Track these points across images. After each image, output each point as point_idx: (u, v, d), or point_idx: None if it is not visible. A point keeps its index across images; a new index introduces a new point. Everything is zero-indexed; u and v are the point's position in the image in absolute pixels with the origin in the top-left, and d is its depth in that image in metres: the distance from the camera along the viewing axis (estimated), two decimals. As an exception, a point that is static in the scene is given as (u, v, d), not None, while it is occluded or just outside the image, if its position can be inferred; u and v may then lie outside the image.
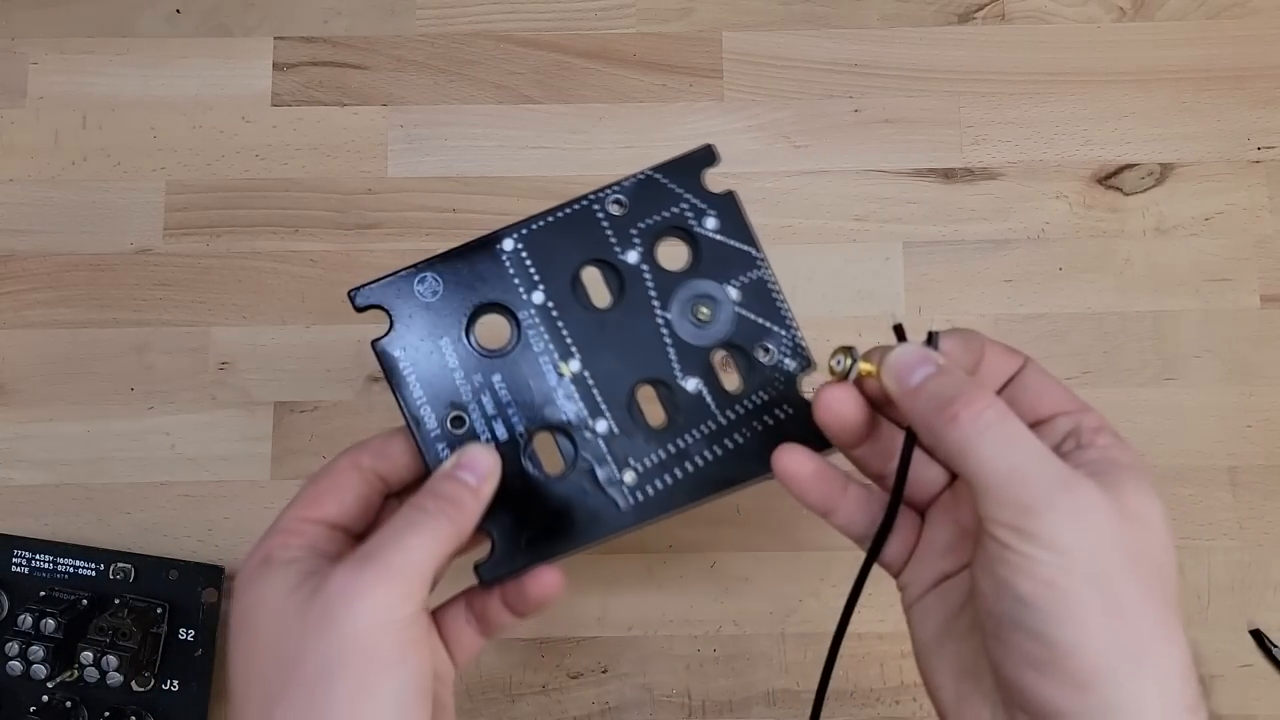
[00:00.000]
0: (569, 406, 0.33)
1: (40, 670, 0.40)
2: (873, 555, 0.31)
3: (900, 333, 0.31)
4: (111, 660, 0.39)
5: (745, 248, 0.34)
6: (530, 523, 0.32)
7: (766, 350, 0.34)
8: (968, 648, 0.29)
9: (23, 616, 0.40)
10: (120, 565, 0.42)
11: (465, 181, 0.48)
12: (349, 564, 0.27)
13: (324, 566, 0.28)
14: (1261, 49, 0.49)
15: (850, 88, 0.49)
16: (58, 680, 0.40)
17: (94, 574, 0.42)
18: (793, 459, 0.31)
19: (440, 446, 0.32)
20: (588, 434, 0.33)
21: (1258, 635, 0.44)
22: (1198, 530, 0.45)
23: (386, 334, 0.33)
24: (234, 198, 0.48)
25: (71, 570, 0.42)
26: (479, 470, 0.30)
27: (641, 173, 0.34)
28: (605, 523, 0.33)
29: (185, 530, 0.45)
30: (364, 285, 0.33)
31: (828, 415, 0.31)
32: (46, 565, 0.42)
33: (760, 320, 0.34)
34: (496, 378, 0.33)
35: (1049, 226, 0.48)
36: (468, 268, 0.34)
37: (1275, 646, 0.44)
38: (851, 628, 0.44)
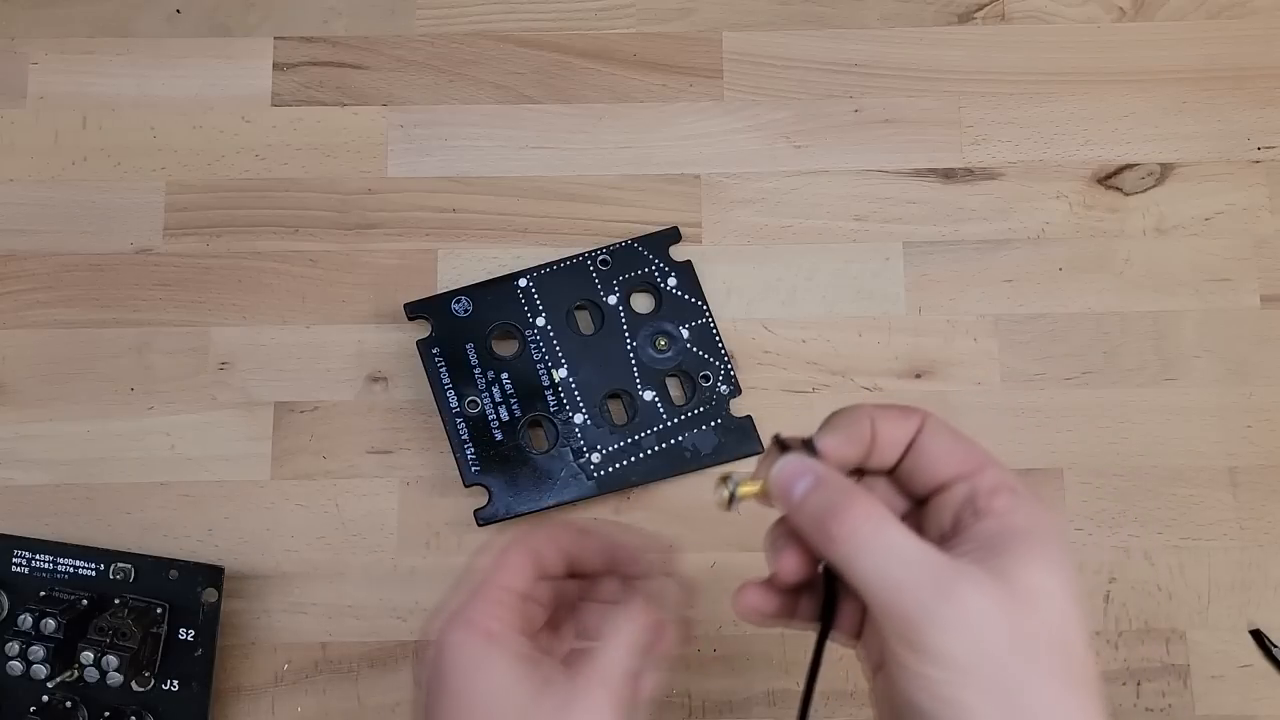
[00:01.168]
0: (555, 402, 0.44)
1: (40, 670, 0.40)
2: (816, 659, 0.31)
3: (780, 444, 0.30)
4: (111, 660, 0.39)
5: (696, 301, 0.46)
6: (519, 484, 0.44)
7: (707, 378, 0.45)
8: None
9: (23, 616, 0.40)
10: (120, 565, 0.42)
11: (465, 181, 0.48)
12: (581, 669, 0.29)
13: (540, 654, 0.30)
14: (1261, 49, 0.49)
15: (850, 88, 0.49)
16: (58, 680, 0.40)
17: (94, 574, 0.42)
18: (750, 604, 0.32)
19: (459, 422, 0.44)
20: (567, 423, 0.44)
21: (1258, 635, 0.44)
22: (1198, 530, 0.45)
23: (429, 336, 0.45)
24: (234, 198, 0.48)
25: (71, 570, 0.42)
26: (677, 599, 0.32)
27: (625, 241, 0.46)
28: (574, 490, 0.44)
29: (185, 530, 0.45)
30: (415, 300, 0.45)
31: (747, 617, 0.31)
32: (46, 565, 0.42)
33: (704, 355, 0.46)
34: (505, 376, 0.45)
35: (1049, 226, 0.48)
36: (491, 295, 0.45)
37: (1275, 646, 0.44)
38: (851, 628, 0.44)
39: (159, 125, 0.48)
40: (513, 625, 0.30)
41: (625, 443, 0.44)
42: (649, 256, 0.46)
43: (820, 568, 0.30)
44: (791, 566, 0.30)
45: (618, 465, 0.44)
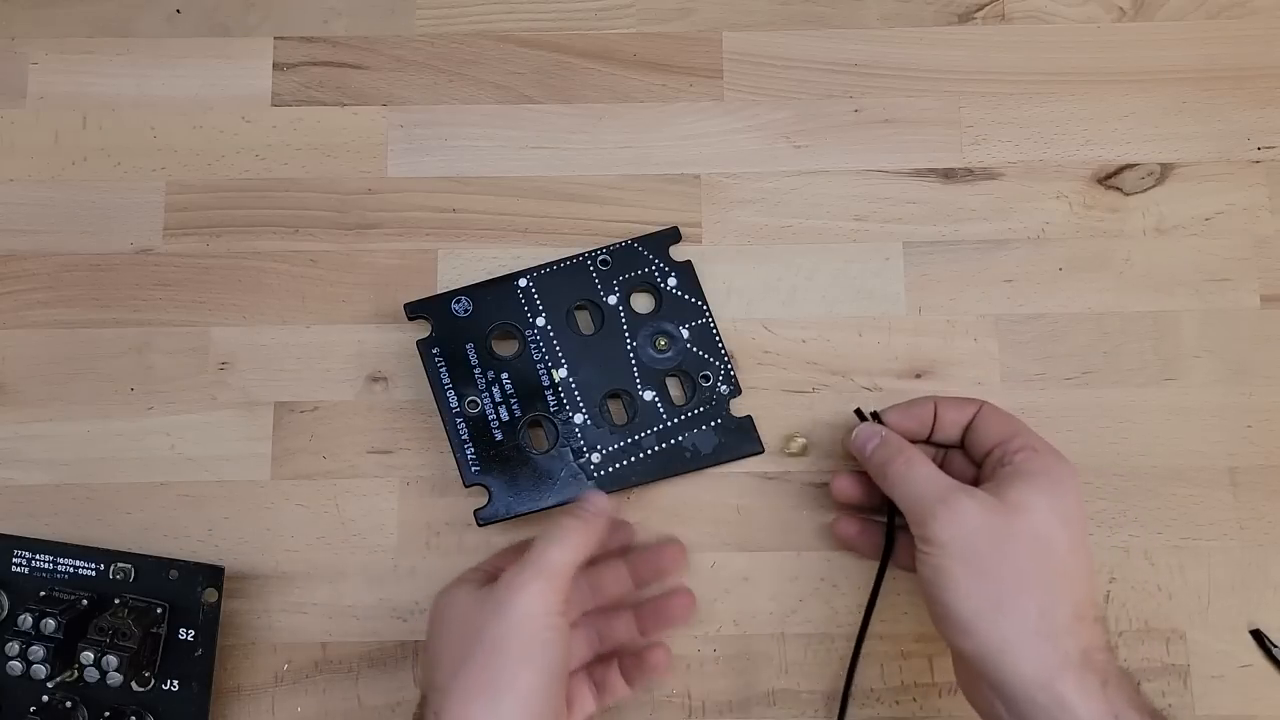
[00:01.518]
0: (555, 402, 0.44)
1: (40, 670, 0.40)
2: (880, 574, 0.43)
3: (859, 414, 0.43)
4: (111, 660, 0.39)
5: (696, 301, 0.46)
6: (519, 484, 0.44)
7: (707, 378, 0.45)
8: None
9: (23, 616, 0.40)
10: (120, 565, 0.42)
11: (465, 181, 0.48)
12: (513, 568, 0.37)
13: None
14: (1261, 49, 0.49)
15: (850, 88, 0.49)
16: (58, 680, 0.40)
17: (94, 574, 0.42)
18: (841, 489, 0.44)
19: (460, 421, 0.44)
20: (567, 423, 0.44)
21: (1258, 635, 0.44)
22: (1198, 530, 0.45)
23: (429, 336, 0.44)
24: (234, 198, 0.48)
25: (71, 570, 0.42)
26: (600, 506, 0.40)
27: (624, 241, 0.46)
28: (575, 489, 0.44)
29: (185, 530, 0.45)
30: (415, 301, 0.45)
31: (839, 496, 0.44)
32: (46, 565, 0.42)
33: (704, 355, 0.46)
34: (505, 376, 0.44)
35: (1049, 226, 0.48)
36: (491, 295, 0.45)
37: (1275, 646, 0.44)
38: (851, 629, 0.44)
39: (159, 125, 0.48)
40: (491, 574, 0.38)
41: (625, 443, 0.44)
42: (649, 256, 0.46)
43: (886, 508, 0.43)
44: (843, 487, 0.43)
45: (618, 465, 0.44)
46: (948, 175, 0.48)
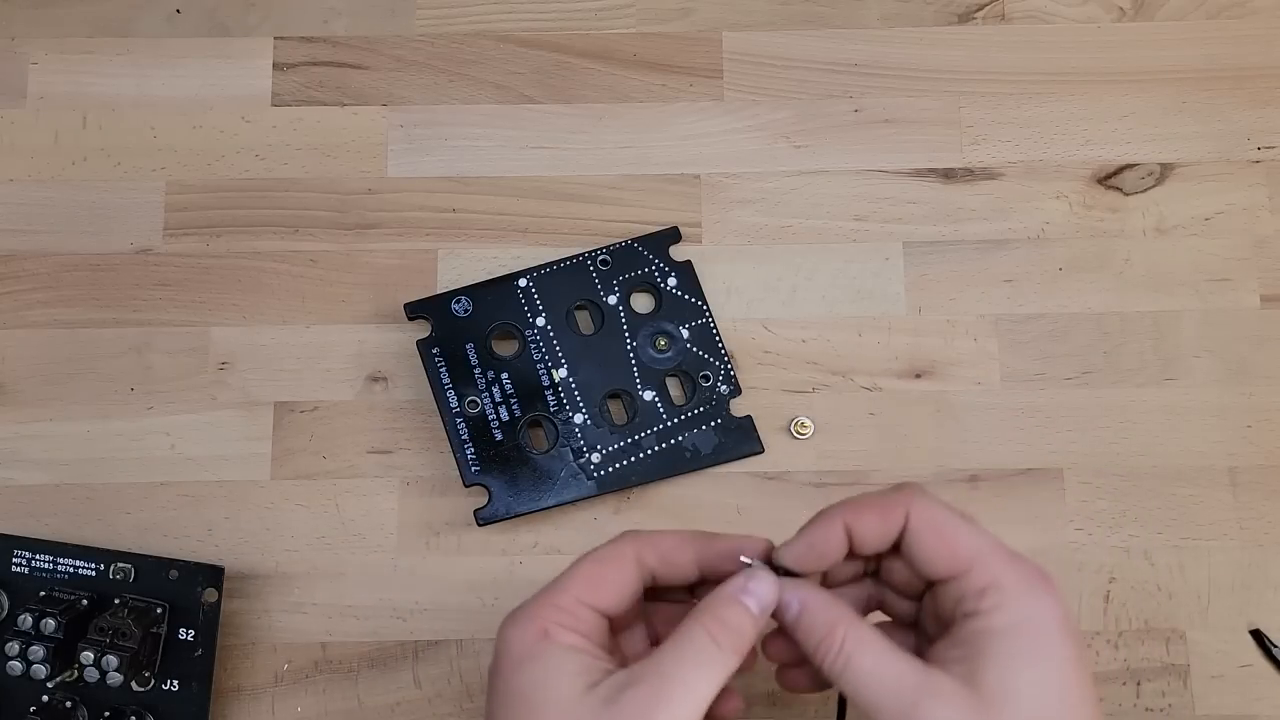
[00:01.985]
0: (555, 402, 0.44)
1: (40, 670, 0.40)
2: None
3: (773, 566, 0.32)
4: (111, 660, 0.39)
5: (696, 301, 0.46)
6: (519, 484, 0.44)
7: (706, 378, 0.45)
8: None
9: (23, 616, 0.40)
10: (120, 565, 0.42)
11: (465, 181, 0.48)
12: (647, 685, 0.28)
13: (608, 664, 0.30)
14: (1261, 49, 0.49)
15: (850, 88, 0.49)
16: (58, 680, 0.40)
17: (94, 574, 0.42)
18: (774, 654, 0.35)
19: (459, 421, 0.44)
20: (567, 423, 0.44)
21: (1258, 635, 0.44)
22: (1198, 530, 0.45)
23: (429, 336, 0.44)
24: (234, 198, 0.48)
25: (71, 570, 0.42)
26: (763, 601, 0.31)
27: (624, 241, 0.46)
28: (574, 489, 0.44)
29: (185, 530, 0.45)
30: (415, 300, 0.45)
31: (774, 659, 0.35)
32: (46, 565, 0.42)
33: (704, 355, 0.45)
34: (505, 376, 0.44)
35: (1049, 226, 0.48)
36: (491, 295, 0.45)
37: (1275, 646, 0.44)
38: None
39: (159, 125, 0.48)
40: (591, 641, 0.30)
41: (625, 443, 0.44)
42: (649, 256, 0.46)
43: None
44: (777, 652, 0.35)
45: (618, 465, 0.44)
46: (948, 175, 0.48)
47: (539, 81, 0.49)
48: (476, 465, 0.43)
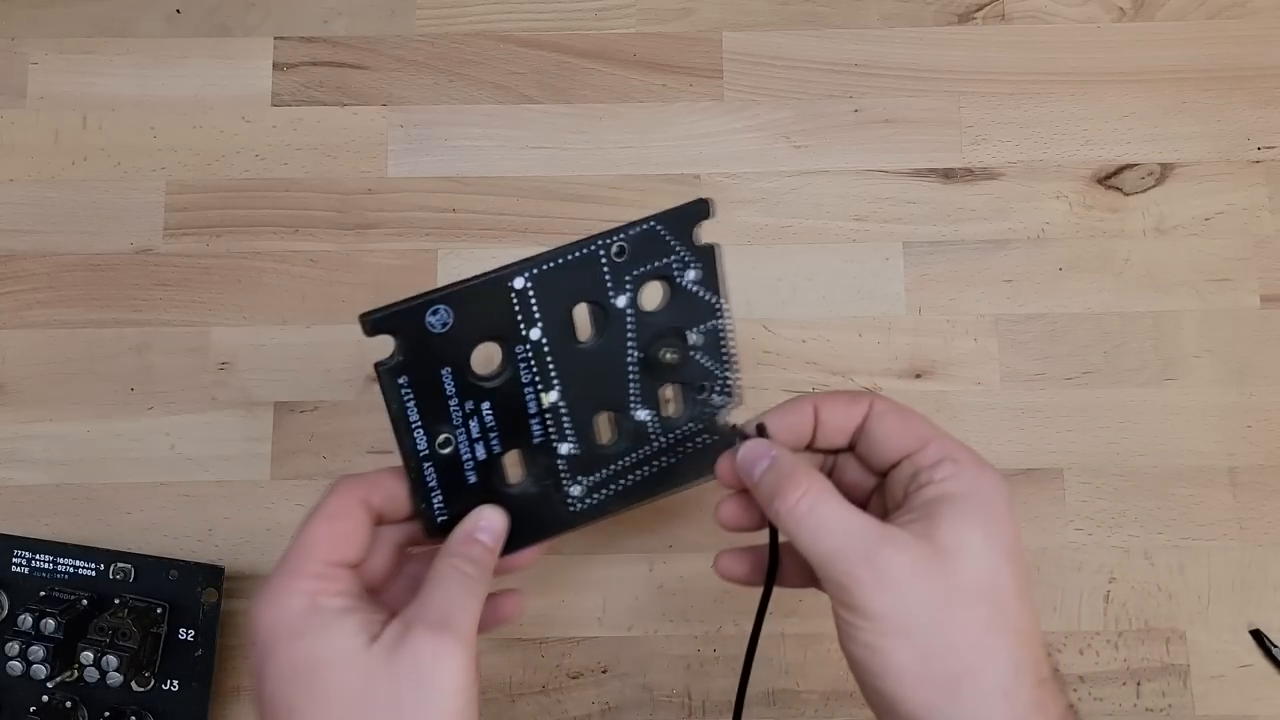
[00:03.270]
0: (540, 432, 0.35)
1: (40, 670, 0.40)
2: (761, 612, 0.36)
3: (737, 431, 0.35)
4: (111, 660, 0.39)
5: (714, 299, 0.37)
6: None
7: (704, 389, 0.37)
8: None
9: (23, 616, 0.40)
10: (120, 565, 0.42)
11: (465, 181, 0.48)
12: (429, 628, 0.29)
13: (378, 614, 0.31)
14: (1261, 49, 0.49)
15: (850, 88, 0.49)
16: (58, 680, 0.40)
17: (94, 574, 0.42)
18: (725, 568, 0.36)
19: (427, 466, 0.34)
20: (550, 454, 0.36)
21: (1258, 635, 0.44)
22: (1198, 530, 0.45)
23: (392, 358, 0.33)
24: (234, 198, 0.48)
25: (71, 570, 0.42)
26: (495, 531, 0.34)
27: (645, 222, 0.35)
28: (549, 529, 0.36)
29: (185, 530, 0.45)
30: (377, 311, 0.32)
31: (727, 524, 0.36)
32: (46, 565, 0.42)
33: (708, 363, 0.37)
34: (485, 405, 0.34)
35: (1049, 226, 0.48)
36: (477, 302, 0.34)
37: (1275, 646, 0.44)
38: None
39: (159, 125, 0.48)
40: (356, 598, 0.31)
41: (610, 470, 0.37)
42: (671, 243, 0.36)
43: (768, 529, 0.34)
44: (730, 515, 0.35)
45: (600, 495, 0.37)
46: (948, 175, 0.48)
47: (539, 81, 0.49)
48: (444, 514, 0.34)
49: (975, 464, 0.31)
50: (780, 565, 0.35)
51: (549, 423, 0.35)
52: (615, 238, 0.35)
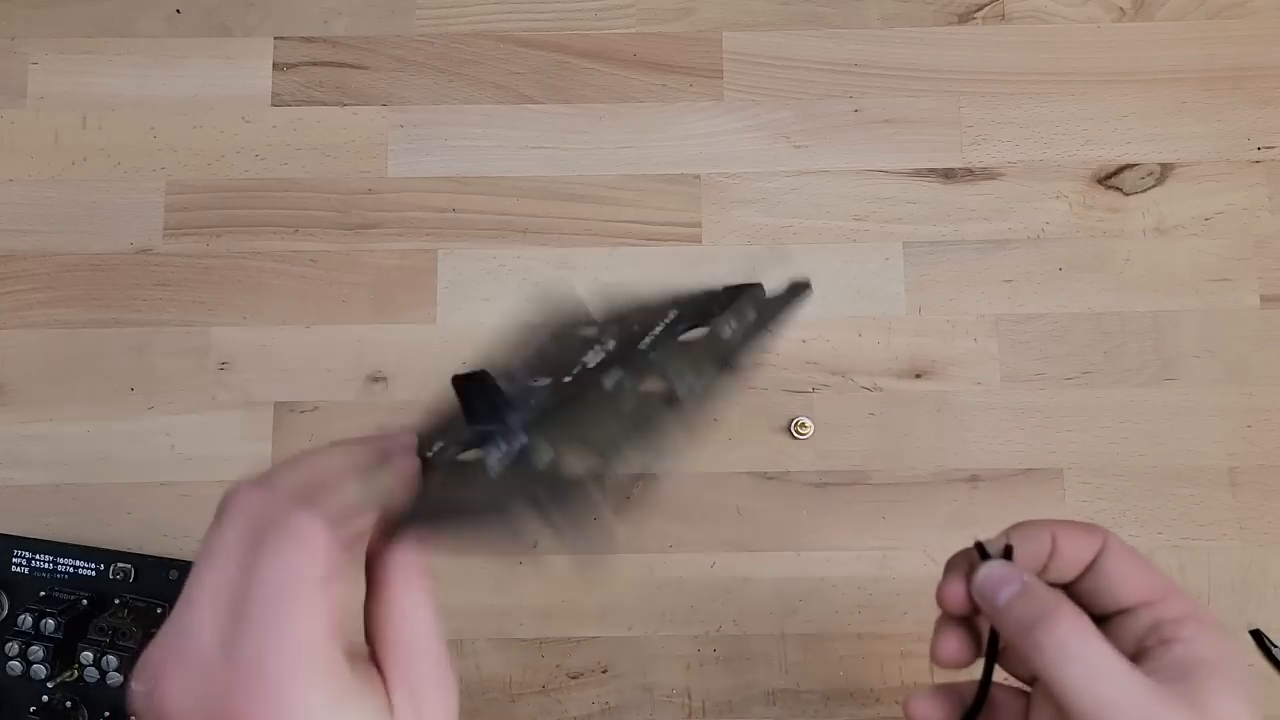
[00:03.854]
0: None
1: (40, 670, 0.40)
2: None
3: (982, 550, 0.31)
4: (111, 660, 0.39)
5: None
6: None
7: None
8: None
9: (23, 616, 0.40)
10: (120, 565, 0.42)
11: (465, 181, 0.48)
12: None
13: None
14: (1261, 49, 0.49)
15: (850, 88, 0.49)
16: (58, 680, 0.40)
17: (94, 574, 0.42)
18: (921, 715, 0.32)
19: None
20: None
21: (1258, 635, 0.44)
22: (1198, 530, 0.45)
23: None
24: (234, 198, 0.48)
25: (71, 570, 0.42)
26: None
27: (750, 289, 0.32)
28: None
29: (185, 530, 0.45)
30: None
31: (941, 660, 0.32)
32: (46, 565, 0.42)
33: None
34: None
35: (1049, 226, 0.48)
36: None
37: (1275, 646, 0.44)
38: (851, 629, 0.44)
39: (159, 125, 0.48)
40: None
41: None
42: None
43: (986, 636, 0.31)
44: (954, 650, 0.31)
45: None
46: (948, 175, 0.48)
47: (539, 81, 0.49)
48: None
49: (1218, 627, 0.29)
50: (994, 705, 0.31)
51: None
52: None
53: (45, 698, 0.41)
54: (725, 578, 0.45)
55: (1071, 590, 0.31)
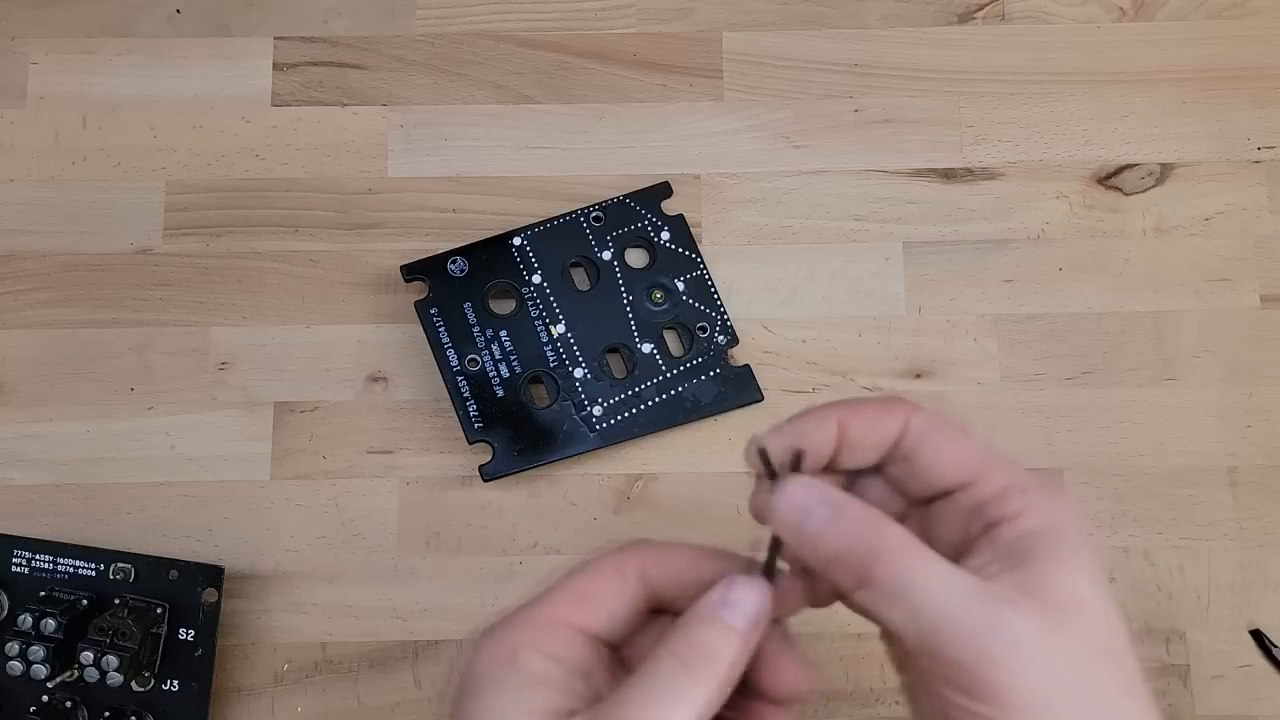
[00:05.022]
0: (554, 357, 0.45)
1: (40, 670, 0.40)
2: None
3: (767, 462, 0.26)
4: (111, 660, 0.39)
5: (690, 254, 0.46)
6: (522, 439, 0.44)
7: (704, 329, 0.45)
8: None
9: (23, 616, 0.40)
10: (120, 565, 0.42)
11: (465, 181, 0.48)
12: None
13: (577, 701, 0.25)
14: (1261, 49, 0.49)
15: (850, 88, 0.49)
16: (58, 680, 0.40)
17: (94, 574, 0.42)
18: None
19: (460, 379, 0.44)
20: (568, 378, 0.44)
21: (1258, 635, 0.44)
22: (1198, 530, 0.45)
23: (426, 297, 0.45)
24: (234, 198, 0.48)
25: (71, 570, 0.42)
26: (747, 612, 0.25)
27: (616, 197, 0.47)
28: (578, 443, 0.44)
29: (185, 530, 0.45)
30: (413, 262, 0.45)
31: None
32: (46, 565, 0.42)
33: (700, 307, 0.46)
34: (503, 333, 0.45)
35: (1049, 226, 0.48)
36: (487, 255, 0.46)
37: (1275, 646, 0.44)
38: (851, 628, 0.44)
39: (159, 125, 0.48)
40: (565, 666, 0.26)
41: (626, 395, 0.44)
42: (641, 212, 0.47)
43: (768, 548, 0.27)
44: (797, 592, 0.27)
45: (620, 417, 0.44)
46: (948, 175, 0.48)
47: (539, 81, 0.49)
48: (479, 422, 0.44)
49: (1045, 492, 0.26)
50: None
51: (561, 350, 0.45)
52: (593, 208, 0.46)
53: (45, 698, 0.41)
54: (725, 578, 0.45)
55: (886, 473, 0.28)
